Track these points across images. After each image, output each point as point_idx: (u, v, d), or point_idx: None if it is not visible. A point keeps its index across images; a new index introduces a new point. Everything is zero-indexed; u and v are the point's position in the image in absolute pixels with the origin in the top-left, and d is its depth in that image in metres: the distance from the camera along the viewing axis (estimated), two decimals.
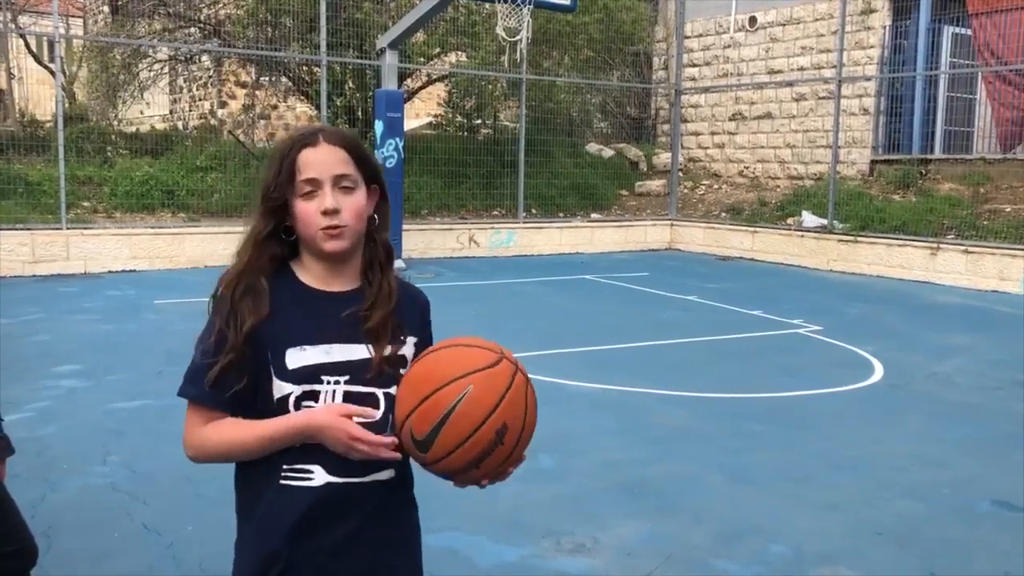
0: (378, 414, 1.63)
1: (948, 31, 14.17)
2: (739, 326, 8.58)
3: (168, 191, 12.83)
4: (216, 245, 11.74)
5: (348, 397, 1.63)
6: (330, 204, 1.61)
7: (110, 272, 11.07)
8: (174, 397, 1.69)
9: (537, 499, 4.15)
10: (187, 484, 4.10)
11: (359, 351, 1.65)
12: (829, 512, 4.09)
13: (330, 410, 1.59)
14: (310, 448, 1.61)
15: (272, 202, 1.63)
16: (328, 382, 1.63)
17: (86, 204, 12.31)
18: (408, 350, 1.70)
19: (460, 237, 13.74)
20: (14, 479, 2.72)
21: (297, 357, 1.62)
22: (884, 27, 14.77)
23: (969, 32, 13.66)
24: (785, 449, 4.98)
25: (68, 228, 11.02)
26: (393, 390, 1.64)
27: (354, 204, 1.65)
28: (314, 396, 1.63)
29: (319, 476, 1.62)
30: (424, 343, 1.75)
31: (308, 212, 1.62)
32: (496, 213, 15.03)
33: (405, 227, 12.48)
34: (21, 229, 10.78)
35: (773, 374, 6.75)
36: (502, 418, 1.54)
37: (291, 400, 1.62)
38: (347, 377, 1.64)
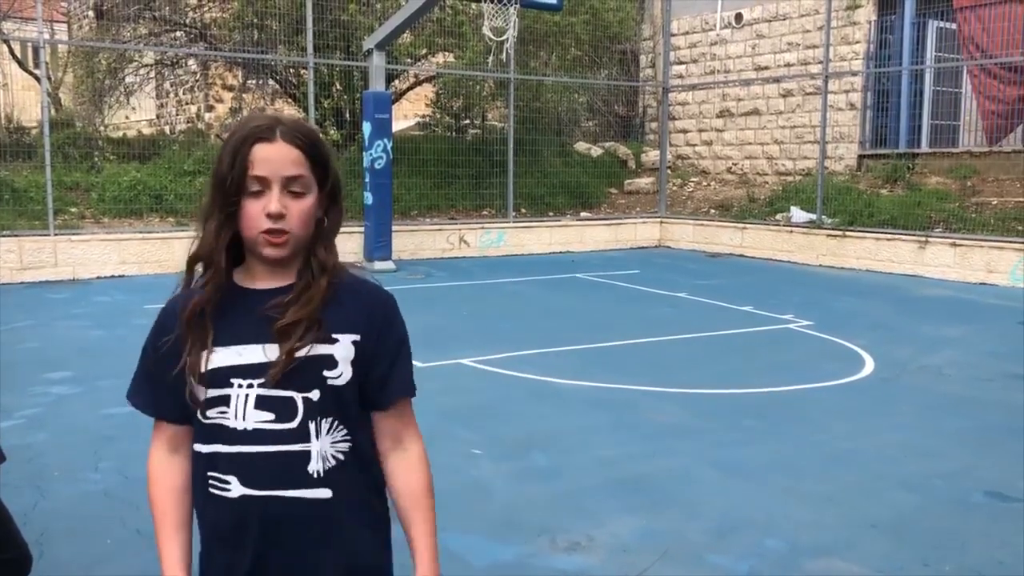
0: (294, 423, 1.51)
1: (933, 25, 14.23)
2: (730, 322, 8.60)
3: (156, 196, 12.77)
4: None
5: (261, 401, 1.51)
6: (275, 208, 1.47)
7: (99, 278, 11.02)
8: None
9: (532, 497, 4.15)
10: None
11: (274, 351, 1.50)
12: (823, 505, 4.10)
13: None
14: (222, 458, 1.53)
15: (229, 201, 1.49)
16: (239, 385, 1.51)
17: (74, 210, 12.24)
18: (340, 351, 1.53)
19: (450, 237, 13.73)
20: (4, 487, 2.70)
21: (209, 359, 1.52)
22: (869, 22, 14.83)
23: (954, 26, 13.73)
24: (778, 443, 4.99)
25: (56, 234, 10.96)
26: (314, 394, 1.51)
27: (301, 210, 1.50)
28: (224, 401, 1.52)
29: (235, 488, 1.52)
30: (373, 342, 1.57)
31: (253, 212, 1.48)
32: (486, 213, 15.02)
33: (395, 228, 12.46)
34: (8, 236, 10.71)
35: (765, 369, 6.76)
36: None
37: (201, 404, 1.55)
38: (261, 380, 1.50)
